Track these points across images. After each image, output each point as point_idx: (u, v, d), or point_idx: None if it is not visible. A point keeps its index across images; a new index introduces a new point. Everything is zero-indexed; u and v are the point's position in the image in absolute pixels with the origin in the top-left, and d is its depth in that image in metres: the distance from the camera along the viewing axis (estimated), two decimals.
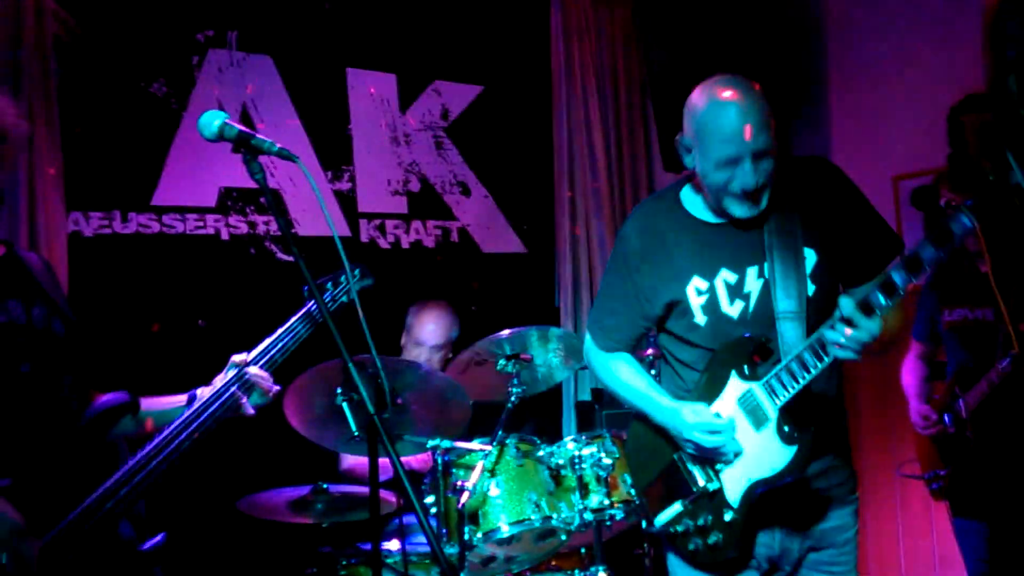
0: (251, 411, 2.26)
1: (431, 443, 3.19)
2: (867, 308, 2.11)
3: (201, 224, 4.12)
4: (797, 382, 2.21)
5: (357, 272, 2.62)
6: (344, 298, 2.54)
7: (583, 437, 3.33)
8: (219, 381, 2.29)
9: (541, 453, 3.28)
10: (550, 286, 5.11)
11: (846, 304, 2.11)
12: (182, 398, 2.31)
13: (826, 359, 2.16)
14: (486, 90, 5.02)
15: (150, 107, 4.02)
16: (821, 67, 4.91)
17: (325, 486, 3.31)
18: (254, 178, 2.03)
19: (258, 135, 2.04)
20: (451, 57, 4.90)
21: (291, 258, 4.22)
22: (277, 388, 2.30)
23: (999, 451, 3.32)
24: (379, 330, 4.07)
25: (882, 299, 2.10)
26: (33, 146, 3.64)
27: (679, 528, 2.37)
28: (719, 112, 2.23)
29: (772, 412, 2.27)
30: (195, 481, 3.57)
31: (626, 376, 2.53)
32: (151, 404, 2.32)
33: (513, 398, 3.45)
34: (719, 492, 2.32)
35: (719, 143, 2.21)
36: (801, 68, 4.90)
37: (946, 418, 3.48)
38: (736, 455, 2.29)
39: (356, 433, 2.06)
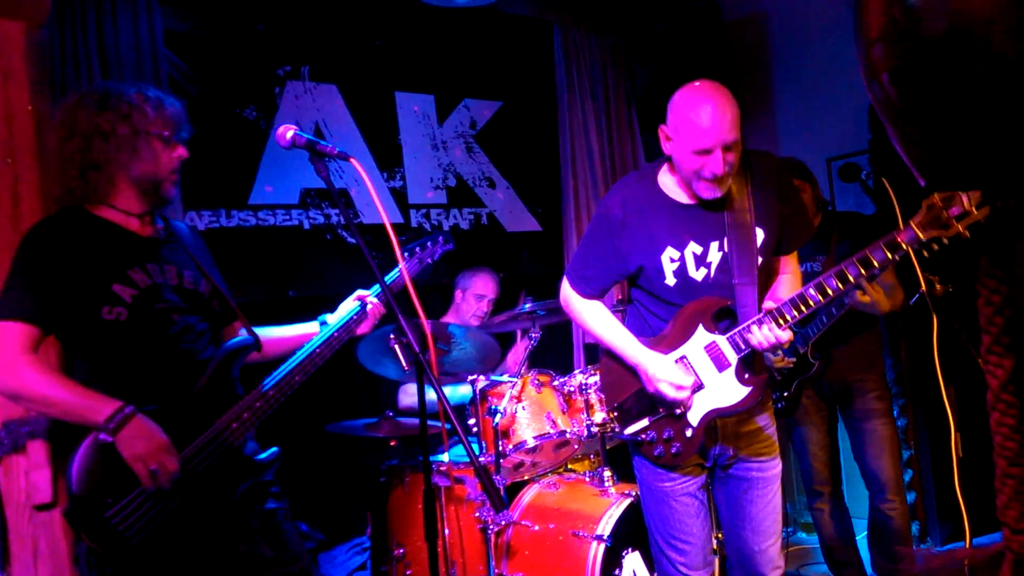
0: (365, 330, 2.31)
1: (471, 377, 3.21)
2: (781, 317, 2.17)
3: (288, 217, 4.14)
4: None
5: (441, 238, 2.57)
6: (429, 260, 2.52)
7: (588, 369, 3.33)
8: (344, 308, 2.34)
9: (555, 383, 3.29)
10: (560, 255, 5.09)
11: (767, 306, 2.19)
12: (311, 324, 2.34)
13: None
14: (505, 104, 4.98)
15: (244, 128, 4.02)
16: (768, 70, 4.85)
17: (390, 414, 3.35)
18: (320, 176, 2.03)
19: (321, 142, 2.03)
20: (477, 80, 4.86)
21: (356, 241, 4.24)
22: (383, 311, 2.33)
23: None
24: (429, 293, 4.10)
25: (792, 314, 2.17)
26: None
27: (645, 438, 2.36)
28: (699, 109, 2.16)
29: (733, 360, 2.27)
30: (296, 411, 3.63)
31: (602, 321, 2.45)
32: (281, 333, 2.33)
33: (533, 341, 3.47)
34: (683, 415, 2.32)
35: (696, 135, 2.15)
36: (752, 71, 4.84)
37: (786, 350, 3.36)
38: (699, 388, 2.29)
39: (406, 368, 2.07)
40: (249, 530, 2.07)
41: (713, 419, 2.31)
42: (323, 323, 2.32)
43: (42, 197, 2.27)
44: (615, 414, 2.45)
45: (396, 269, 2.27)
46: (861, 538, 3.49)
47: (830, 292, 2.14)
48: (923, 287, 2.56)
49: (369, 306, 2.32)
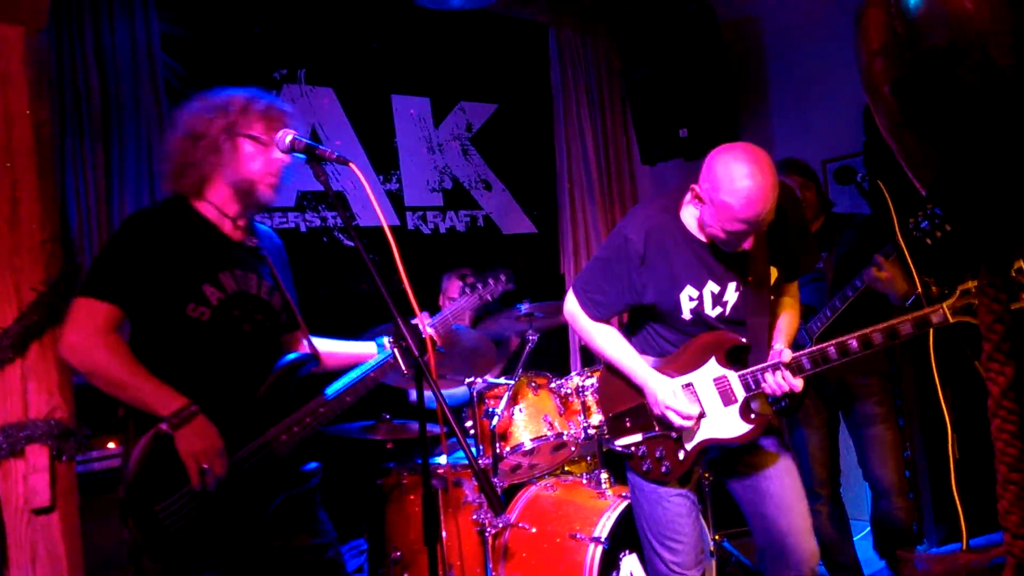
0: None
1: (467, 379, 3.21)
2: (798, 368, 2.20)
3: (284, 220, 4.14)
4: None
5: (503, 276, 2.62)
6: (489, 298, 2.58)
7: (585, 371, 3.33)
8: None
9: (552, 385, 3.29)
10: (556, 257, 5.10)
11: (785, 356, 2.21)
12: (368, 344, 2.37)
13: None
14: (500, 107, 4.99)
15: None
16: (763, 72, 4.85)
17: (388, 416, 3.35)
18: (318, 180, 2.02)
19: (320, 146, 2.03)
20: (472, 82, 4.87)
21: (353, 244, 4.24)
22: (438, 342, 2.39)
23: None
24: (428, 294, 4.09)
25: (809, 365, 2.20)
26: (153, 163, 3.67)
27: (636, 451, 2.37)
28: (741, 195, 2.05)
29: (740, 397, 2.27)
30: None
31: (611, 342, 2.43)
32: (338, 348, 2.35)
33: (530, 344, 3.46)
34: (679, 438, 2.32)
35: (733, 219, 2.09)
36: (747, 73, 4.84)
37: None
38: (701, 417, 2.28)
39: (405, 371, 2.08)
40: (284, 524, 2.10)
41: (707, 447, 2.32)
42: (380, 345, 2.35)
43: (40, 200, 2.26)
44: (608, 424, 2.44)
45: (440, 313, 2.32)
46: (858, 539, 3.51)
47: (850, 352, 2.17)
48: (919, 289, 2.58)
49: (425, 337, 2.33)
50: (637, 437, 2.35)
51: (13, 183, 2.39)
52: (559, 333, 4.93)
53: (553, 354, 4.91)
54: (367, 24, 4.42)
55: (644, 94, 4.73)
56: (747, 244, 2.15)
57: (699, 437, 2.30)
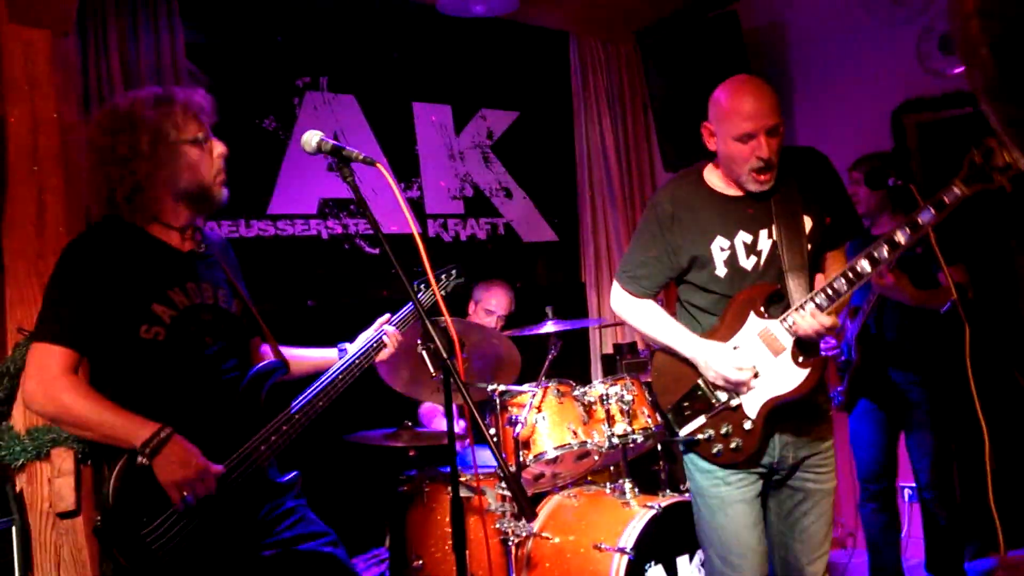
0: (384, 358, 2.33)
1: (491, 387, 3.18)
2: (833, 293, 2.18)
3: (306, 227, 4.13)
4: None
5: (455, 271, 2.66)
6: (443, 292, 2.60)
7: (609, 379, 3.29)
8: (364, 337, 2.35)
9: (576, 392, 3.25)
10: (577, 265, 5.06)
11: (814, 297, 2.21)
12: (330, 350, 2.34)
13: None
14: (522, 114, 4.97)
15: (263, 138, 4.02)
16: (787, 78, 4.80)
17: (410, 424, 3.32)
18: (346, 181, 1.99)
19: (347, 147, 2.01)
20: (493, 90, 4.85)
21: (376, 251, 4.24)
22: (398, 341, 2.38)
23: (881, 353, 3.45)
24: (450, 301, 4.05)
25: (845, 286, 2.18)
26: None
27: (702, 436, 2.29)
28: (740, 97, 2.21)
29: (787, 344, 2.22)
30: (315, 420, 3.60)
31: (656, 317, 2.41)
32: (301, 355, 2.31)
33: (553, 351, 3.44)
34: (740, 407, 2.25)
35: (739, 121, 2.19)
36: (771, 80, 4.78)
37: (843, 346, 3.54)
38: (755, 377, 2.23)
39: (434, 374, 2.05)
40: (276, 531, 2.06)
41: (772, 407, 2.23)
42: (342, 350, 2.33)
43: (67, 204, 2.26)
44: (670, 417, 2.36)
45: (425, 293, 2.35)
46: None
47: (880, 260, 2.15)
48: (954, 295, 2.52)
49: (387, 337, 2.34)
50: (700, 420, 2.28)
51: (40, 188, 2.41)
52: (580, 340, 4.88)
53: (574, 362, 4.86)
54: (389, 32, 4.43)
55: (666, 100, 4.70)
56: (763, 151, 2.18)
57: (760, 399, 2.23)
